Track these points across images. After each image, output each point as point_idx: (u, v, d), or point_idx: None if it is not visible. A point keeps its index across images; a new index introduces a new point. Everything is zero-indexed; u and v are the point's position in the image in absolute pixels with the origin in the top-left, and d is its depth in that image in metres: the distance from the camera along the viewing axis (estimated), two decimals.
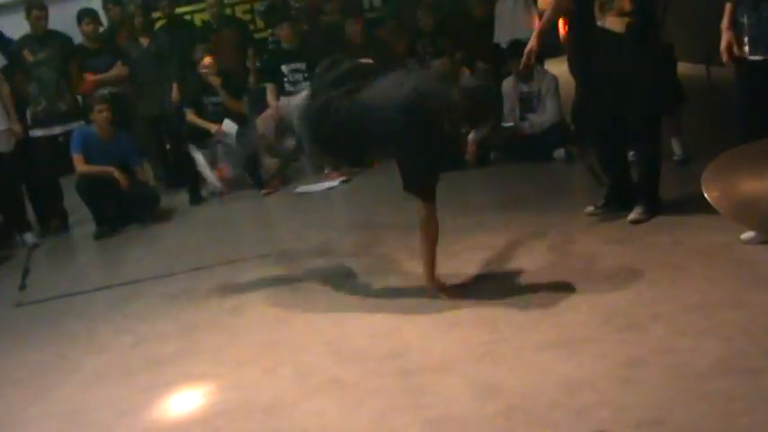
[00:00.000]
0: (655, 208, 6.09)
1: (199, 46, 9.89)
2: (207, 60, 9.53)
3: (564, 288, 5.05)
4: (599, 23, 5.95)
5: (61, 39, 9.46)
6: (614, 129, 6.15)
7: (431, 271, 5.20)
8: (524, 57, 6.25)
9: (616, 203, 6.26)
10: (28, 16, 9.31)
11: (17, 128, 8.60)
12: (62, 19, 10.15)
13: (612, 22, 5.93)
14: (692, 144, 7.57)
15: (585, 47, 6.14)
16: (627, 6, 5.87)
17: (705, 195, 5.41)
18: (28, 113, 9.19)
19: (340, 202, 8.89)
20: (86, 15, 9.77)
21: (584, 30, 6.07)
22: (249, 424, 4.08)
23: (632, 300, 4.73)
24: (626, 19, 5.88)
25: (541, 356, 4.22)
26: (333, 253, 6.58)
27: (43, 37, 9.26)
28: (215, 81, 9.49)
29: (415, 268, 5.75)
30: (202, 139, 9.45)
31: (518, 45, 8.95)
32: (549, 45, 7.22)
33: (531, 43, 6.21)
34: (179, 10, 11.65)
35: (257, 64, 10.79)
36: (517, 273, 5.48)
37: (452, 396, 3.97)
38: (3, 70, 8.71)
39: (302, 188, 9.33)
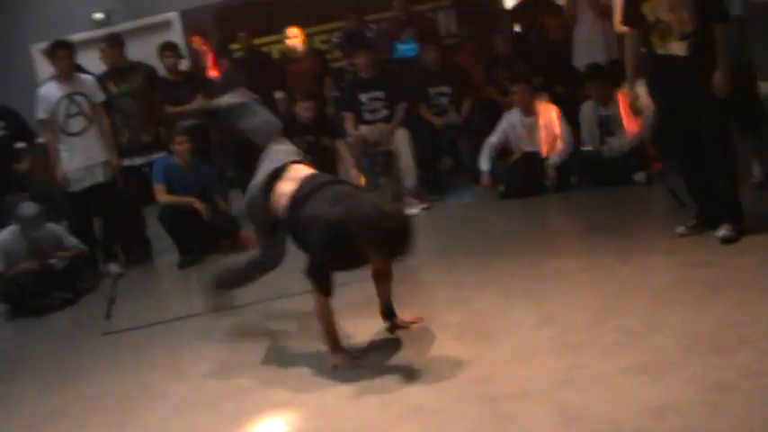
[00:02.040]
0: (741, 225, 6.02)
1: (297, 89, 9.87)
2: (309, 104, 9.40)
3: (648, 312, 5.00)
4: (660, 51, 5.98)
5: (144, 69, 9.59)
6: (692, 149, 6.11)
7: (333, 344, 5.23)
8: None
9: (706, 223, 6.20)
10: (103, 52, 9.57)
11: (116, 160, 8.86)
12: (143, 52, 10.37)
13: (675, 47, 5.93)
14: None
15: (655, 74, 6.20)
16: (687, 28, 5.86)
17: None
18: None
19: (420, 229, 8.86)
20: (167, 48, 9.94)
21: (651, 59, 6.11)
22: None
23: (719, 322, 4.66)
24: (687, 41, 5.87)
25: (626, 381, 4.17)
26: (409, 281, 6.56)
27: (126, 69, 9.41)
28: (310, 122, 9.39)
29: (494, 294, 5.77)
30: None
31: (596, 68, 8.95)
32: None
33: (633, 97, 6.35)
34: (257, 41, 11.81)
35: (335, 93, 10.85)
36: (600, 297, 5.43)
37: (537, 423, 3.95)
38: (102, 104, 8.89)
39: None
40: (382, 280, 5.49)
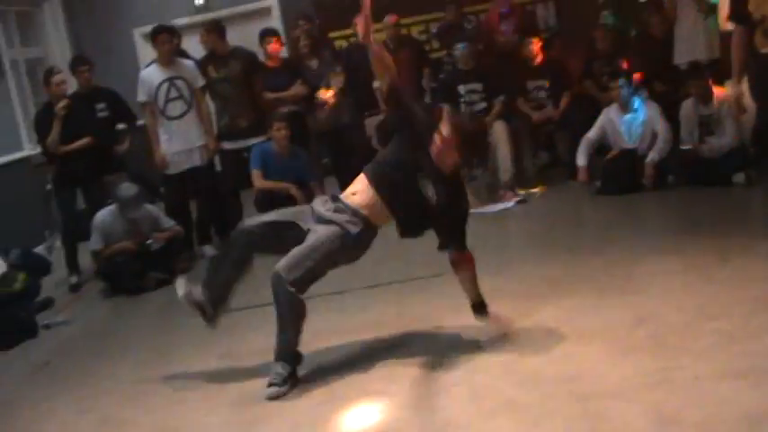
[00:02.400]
0: None
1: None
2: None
3: (745, 316, 4.92)
4: (763, 51, 5.86)
5: (244, 55, 9.66)
6: None
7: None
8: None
9: None
10: (201, 37, 9.73)
11: (214, 144, 9.04)
12: (243, 38, 10.49)
13: None
14: None
15: (758, 75, 6.09)
16: None
17: None
18: None
19: (515, 223, 8.86)
20: (268, 34, 10.02)
21: (755, 59, 6.00)
22: None
23: None
24: None
25: (721, 386, 4.12)
26: (505, 274, 6.56)
27: (227, 54, 9.51)
28: None
29: (589, 292, 5.75)
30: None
31: (697, 67, 8.83)
32: (730, 66, 7.02)
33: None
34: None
35: (432, 84, 10.85)
36: (696, 298, 5.36)
37: (629, 423, 3.93)
38: (202, 89, 9.02)
39: (477, 209, 9.36)
40: (461, 269, 5.40)
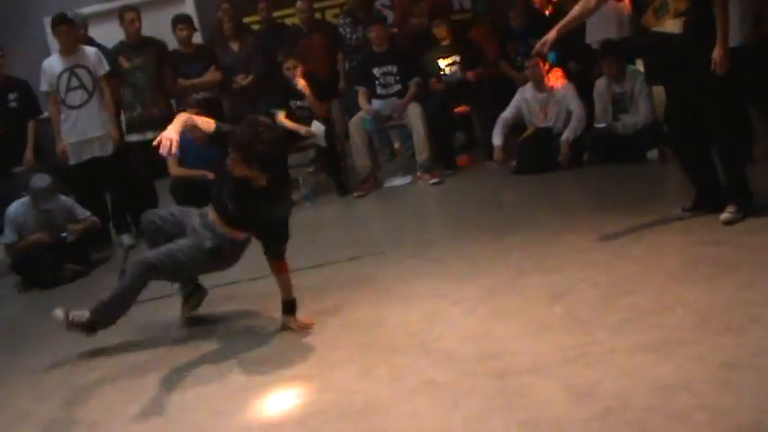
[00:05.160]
0: (746, 206, 5.99)
1: (282, 49, 9.95)
2: (290, 63, 9.57)
3: (658, 290, 5.00)
4: (656, 29, 5.91)
5: (156, 45, 9.60)
6: (694, 129, 6.08)
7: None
8: (538, 45, 6.43)
9: (706, 205, 6.17)
10: (122, 21, 9.51)
11: (116, 134, 8.86)
12: (156, 25, 10.35)
13: (670, 25, 5.87)
14: None
15: (650, 54, 6.17)
16: (682, 6, 5.79)
17: None
18: (123, 119, 9.39)
19: (432, 204, 8.90)
20: (181, 21, 9.92)
21: (646, 38, 6.06)
22: (345, 424, 4.13)
23: (729, 301, 4.65)
24: (683, 19, 5.81)
25: (636, 359, 4.18)
26: (423, 255, 6.58)
27: (138, 43, 9.43)
28: (301, 84, 9.53)
29: (506, 270, 5.78)
30: (290, 142, 9.58)
31: (609, 45, 8.91)
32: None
33: (549, 35, 6.26)
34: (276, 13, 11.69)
35: (347, 68, 10.83)
36: (611, 274, 5.42)
37: (547, 398, 3.96)
38: (105, 77, 8.89)
39: (389, 182, 9.53)
40: (277, 274, 5.63)
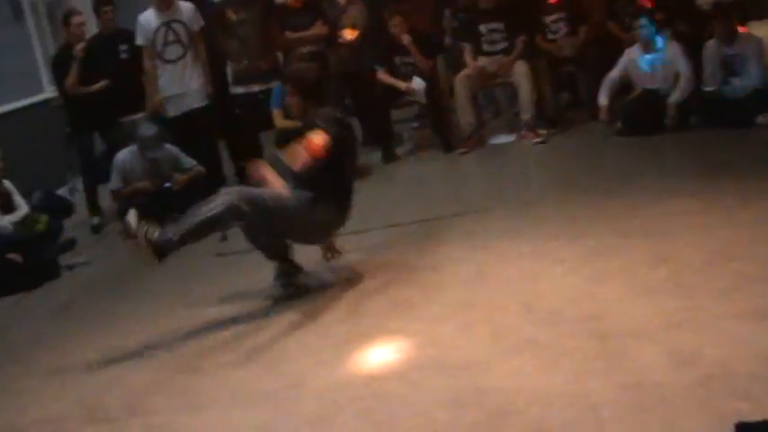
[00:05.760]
0: None
1: (389, 5, 9.93)
2: (397, 20, 9.57)
3: (765, 257, 4.92)
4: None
5: None
6: None
7: None
8: None
9: None
10: None
11: (210, 88, 9.01)
12: None
13: None
14: None
15: None
16: None
17: None
18: (229, 71, 9.50)
19: (535, 163, 8.85)
20: None
21: None
22: (445, 380, 4.16)
23: None
24: None
25: (741, 327, 4.13)
26: (525, 214, 6.57)
27: None
28: (405, 40, 9.52)
29: (609, 232, 5.74)
30: (394, 97, 9.59)
31: (720, 6, 8.73)
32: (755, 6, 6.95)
33: None
34: None
35: (454, 24, 10.77)
36: (717, 239, 5.34)
37: (648, 362, 3.94)
38: (202, 30, 9.00)
39: (493, 139, 9.49)
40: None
